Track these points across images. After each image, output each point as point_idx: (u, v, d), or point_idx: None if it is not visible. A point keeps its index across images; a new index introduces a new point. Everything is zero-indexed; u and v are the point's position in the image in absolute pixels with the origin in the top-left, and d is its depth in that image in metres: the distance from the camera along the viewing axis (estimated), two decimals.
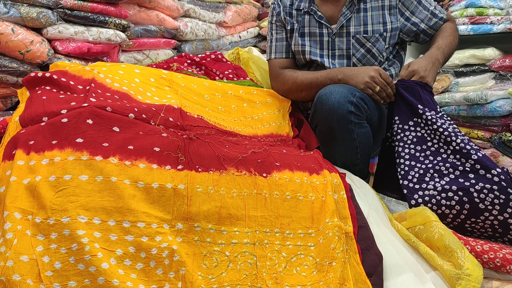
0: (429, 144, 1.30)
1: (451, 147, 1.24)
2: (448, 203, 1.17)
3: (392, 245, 1.06)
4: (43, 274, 0.75)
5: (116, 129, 0.95)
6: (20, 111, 0.98)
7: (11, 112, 1.22)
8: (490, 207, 1.13)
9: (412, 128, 1.34)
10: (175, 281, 0.83)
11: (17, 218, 0.78)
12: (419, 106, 1.32)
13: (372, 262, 0.98)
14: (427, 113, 1.31)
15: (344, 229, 0.99)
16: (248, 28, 2.80)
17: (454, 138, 1.24)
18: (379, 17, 1.52)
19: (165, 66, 1.56)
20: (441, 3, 2.58)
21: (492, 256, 1.06)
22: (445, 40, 1.50)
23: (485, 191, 1.13)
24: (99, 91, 1.06)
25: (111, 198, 0.85)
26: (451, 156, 1.24)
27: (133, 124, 0.98)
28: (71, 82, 1.07)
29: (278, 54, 1.62)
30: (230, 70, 1.66)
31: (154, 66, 1.58)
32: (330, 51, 1.55)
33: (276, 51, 1.63)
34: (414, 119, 1.34)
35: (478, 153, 1.19)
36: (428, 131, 1.31)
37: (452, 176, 1.21)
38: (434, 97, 1.44)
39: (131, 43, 1.85)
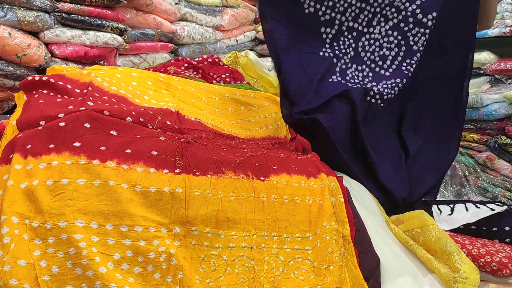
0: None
1: None
2: (389, 46, 1.34)
3: (390, 249, 1.06)
4: (41, 278, 0.75)
5: (113, 132, 0.95)
6: (17, 115, 0.98)
7: (8, 116, 1.21)
8: (421, 48, 1.32)
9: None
10: (173, 285, 0.83)
11: (15, 223, 0.78)
12: None
13: (369, 265, 0.98)
14: None
15: (342, 232, 0.99)
16: (245, 32, 2.81)
17: None
18: None
19: (162, 70, 1.56)
20: None
21: (488, 260, 1.07)
22: None
23: (419, 35, 1.32)
24: (97, 95, 1.06)
25: (108, 202, 0.85)
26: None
27: (131, 128, 0.98)
28: (68, 86, 1.07)
29: None
30: (227, 74, 1.66)
31: (151, 69, 1.58)
32: None
33: None
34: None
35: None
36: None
37: (395, 20, 1.33)
38: None
39: (128, 46, 1.85)
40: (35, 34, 1.56)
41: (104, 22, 1.71)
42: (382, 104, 1.35)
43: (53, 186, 0.82)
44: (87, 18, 1.65)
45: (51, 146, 0.88)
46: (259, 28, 2.85)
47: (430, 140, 1.47)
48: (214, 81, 1.60)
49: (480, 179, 2.15)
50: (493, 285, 1.07)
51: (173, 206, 0.90)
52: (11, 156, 0.86)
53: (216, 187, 0.95)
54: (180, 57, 1.76)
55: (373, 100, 1.33)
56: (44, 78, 1.06)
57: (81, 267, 0.77)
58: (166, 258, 0.84)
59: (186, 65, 1.65)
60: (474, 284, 0.96)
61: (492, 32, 2.22)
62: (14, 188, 0.81)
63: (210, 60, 1.69)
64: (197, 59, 1.70)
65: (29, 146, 0.87)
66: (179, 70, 1.59)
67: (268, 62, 2.42)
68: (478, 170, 2.17)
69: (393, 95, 1.36)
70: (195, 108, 1.26)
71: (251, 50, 2.79)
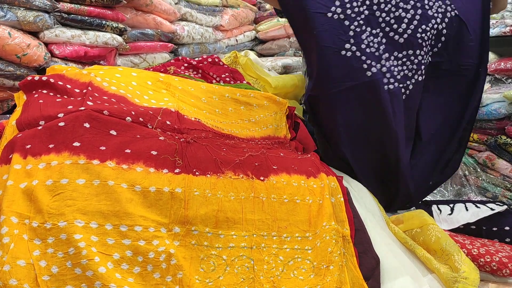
0: None
1: None
2: (405, 6, 1.24)
3: (389, 248, 1.06)
4: (40, 278, 0.75)
5: (113, 132, 0.95)
6: (17, 115, 0.98)
7: (8, 116, 1.21)
8: (435, 15, 1.26)
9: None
10: (173, 285, 0.83)
11: (14, 223, 0.78)
12: None
13: (369, 265, 0.98)
14: None
15: (341, 232, 0.99)
16: (244, 32, 2.81)
17: None
18: None
19: (162, 70, 1.56)
20: None
21: (488, 260, 1.07)
22: None
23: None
24: (96, 95, 1.06)
25: (108, 202, 0.85)
26: None
27: (130, 128, 0.98)
28: (68, 86, 1.07)
29: None
30: (227, 74, 1.66)
31: (151, 69, 1.58)
32: None
33: None
34: None
35: None
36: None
37: None
38: None
39: (128, 46, 1.85)
40: (35, 34, 1.56)
41: (104, 22, 1.71)
42: (399, 85, 1.27)
43: (53, 186, 0.82)
44: (87, 18, 1.65)
45: (51, 146, 0.88)
46: (259, 28, 2.85)
47: (442, 129, 1.43)
48: (214, 81, 1.60)
49: (480, 178, 2.15)
50: (493, 285, 1.07)
51: (172, 206, 0.90)
52: (10, 156, 0.86)
53: (215, 187, 0.95)
54: (180, 57, 1.75)
55: (391, 87, 1.25)
56: (44, 78, 1.06)
57: (80, 267, 0.77)
58: (165, 258, 0.84)
59: (186, 65, 1.65)
60: (474, 284, 0.96)
61: (492, 32, 2.22)
62: (14, 188, 0.81)
63: (210, 60, 1.69)
64: (197, 59, 1.70)
65: (28, 146, 0.87)
66: (179, 70, 1.59)
67: (268, 62, 2.41)
68: (478, 170, 2.17)
69: (407, 73, 1.27)
70: (195, 108, 1.26)
71: (251, 50, 2.79)
